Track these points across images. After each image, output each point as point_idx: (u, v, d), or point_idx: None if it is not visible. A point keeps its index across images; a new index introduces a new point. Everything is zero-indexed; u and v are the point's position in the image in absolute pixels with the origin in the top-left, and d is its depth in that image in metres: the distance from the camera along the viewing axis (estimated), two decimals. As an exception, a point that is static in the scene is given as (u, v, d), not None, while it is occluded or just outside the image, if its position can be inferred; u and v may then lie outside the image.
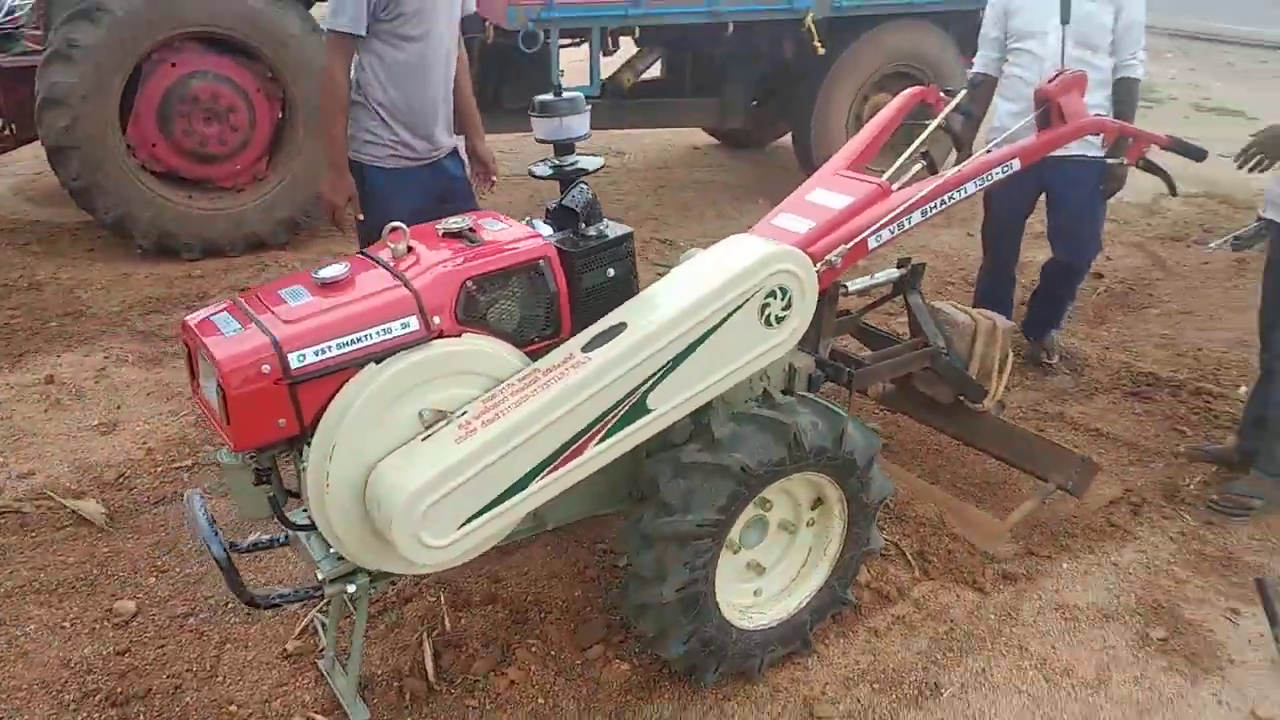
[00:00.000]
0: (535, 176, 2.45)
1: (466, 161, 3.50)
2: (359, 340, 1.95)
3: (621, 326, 2.13)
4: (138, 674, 2.43)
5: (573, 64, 5.69)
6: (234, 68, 4.98)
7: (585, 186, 2.26)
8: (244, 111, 5.03)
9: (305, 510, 2.12)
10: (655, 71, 6.85)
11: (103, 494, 3.13)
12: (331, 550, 2.14)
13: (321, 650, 2.50)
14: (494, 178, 3.57)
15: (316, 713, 2.33)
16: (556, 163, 2.42)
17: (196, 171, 5.07)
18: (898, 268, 3.10)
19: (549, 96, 2.39)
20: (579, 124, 2.41)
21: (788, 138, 7.84)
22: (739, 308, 2.20)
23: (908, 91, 3.25)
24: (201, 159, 5.04)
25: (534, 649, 2.53)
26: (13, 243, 5.39)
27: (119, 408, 3.64)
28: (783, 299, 2.28)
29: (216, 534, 2.05)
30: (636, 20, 5.47)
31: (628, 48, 6.25)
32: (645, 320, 2.13)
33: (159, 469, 3.28)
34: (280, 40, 4.94)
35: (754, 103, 6.76)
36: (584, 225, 2.22)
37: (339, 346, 1.93)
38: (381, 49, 3.12)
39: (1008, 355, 3.29)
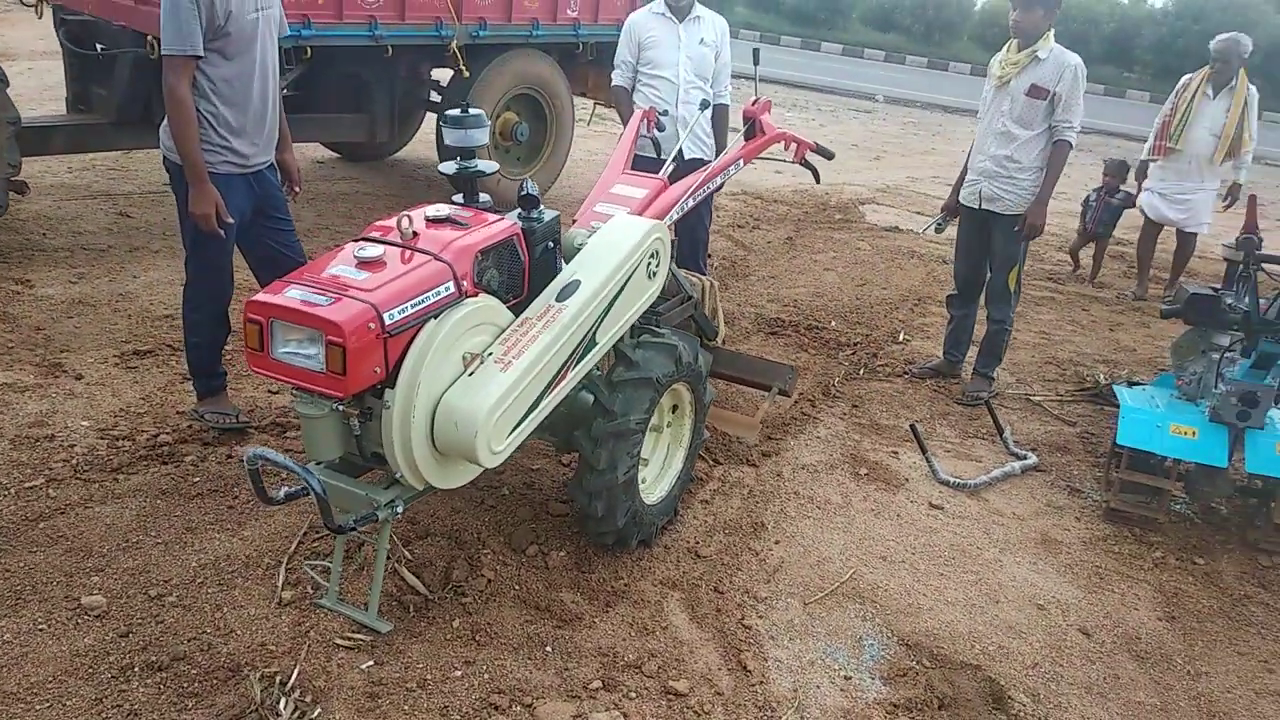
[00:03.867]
0: (444, 175, 3.07)
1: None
2: (422, 301, 2.48)
3: (577, 283, 2.87)
4: (158, 646, 2.58)
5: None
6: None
7: (530, 181, 2.95)
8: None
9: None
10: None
11: (-32, 520, 2.99)
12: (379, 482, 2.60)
13: (318, 592, 2.85)
14: (297, 188, 3.91)
15: (350, 633, 2.72)
16: (462, 165, 3.06)
17: None
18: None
19: (457, 112, 3.01)
20: (480, 135, 3.07)
21: (401, 152, 8.58)
22: (638, 266, 3.06)
23: (638, 113, 4.31)
24: None
25: (488, 557, 3.13)
26: None
27: (-94, 444, 3.34)
28: (656, 259, 3.18)
29: (309, 470, 2.41)
30: (308, 41, 5.80)
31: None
32: (590, 277, 2.90)
33: (11, 491, 3.16)
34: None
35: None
36: (536, 210, 2.91)
37: (412, 306, 2.45)
38: (209, 67, 3.38)
39: (719, 305, 4.51)
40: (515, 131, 7.35)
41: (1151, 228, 7.02)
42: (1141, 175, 6.96)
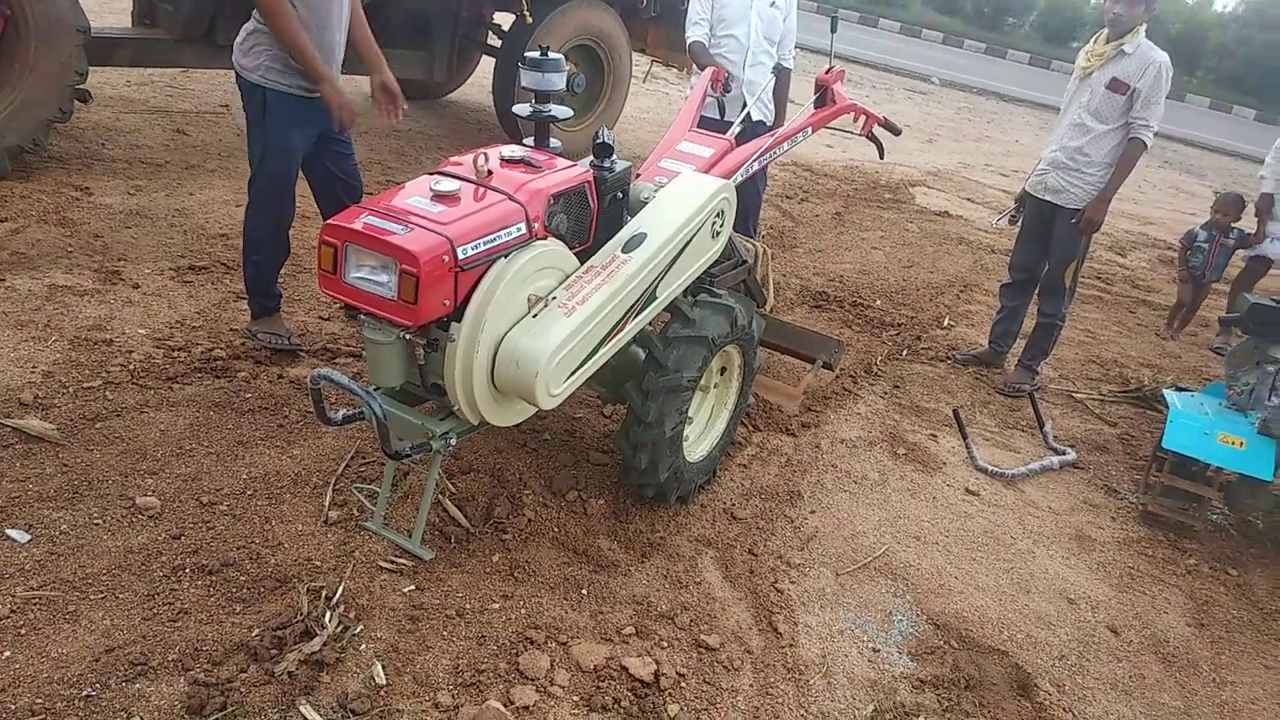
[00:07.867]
0: (519, 117, 3.07)
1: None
2: (494, 240, 2.49)
3: (644, 236, 2.87)
4: (208, 550, 2.64)
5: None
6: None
7: (607, 130, 2.94)
8: (-37, 26, 4.53)
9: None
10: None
11: (31, 414, 3.05)
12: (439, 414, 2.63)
13: (364, 515, 2.90)
14: (404, 106, 3.91)
15: (393, 557, 2.77)
16: (538, 108, 3.06)
17: (-98, 87, 4.47)
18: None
19: (536, 55, 3.00)
20: (558, 80, 3.06)
21: (454, 94, 8.56)
22: (704, 224, 3.05)
23: (707, 72, 4.28)
24: (-90, 74, 4.46)
25: (529, 498, 3.16)
26: None
27: (-33, 338, 3.40)
28: (721, 219, 3.17)
29: (373, 395, 2.44)
30: (377, -27, 5.77)
31: None
32: (657, 231, 2.90)
33: (70, 390, 3.22)
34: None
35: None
36: (608, 159, 2.91)
37: (485, 243, 2.46)
38: None
39: (770, 272, 4.49)
40: (573, 82, 7.23)
41: (1256, 274, 6.26)
42: (1266, 208, 6.10)
